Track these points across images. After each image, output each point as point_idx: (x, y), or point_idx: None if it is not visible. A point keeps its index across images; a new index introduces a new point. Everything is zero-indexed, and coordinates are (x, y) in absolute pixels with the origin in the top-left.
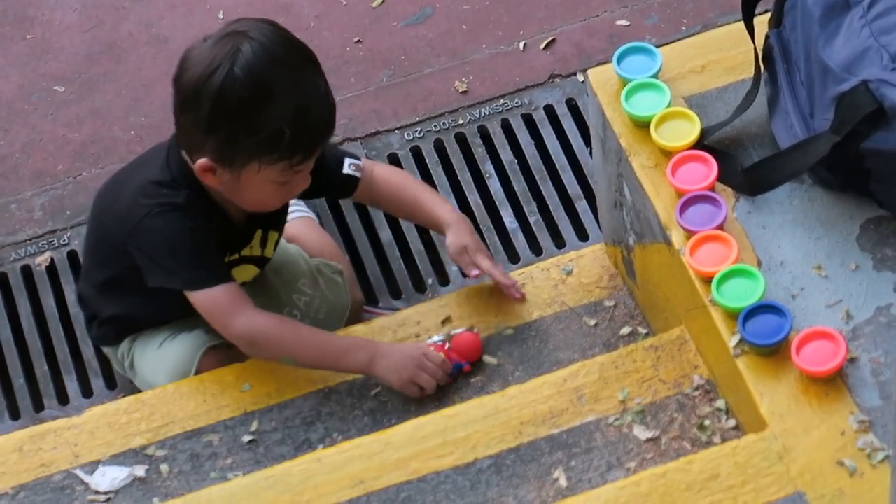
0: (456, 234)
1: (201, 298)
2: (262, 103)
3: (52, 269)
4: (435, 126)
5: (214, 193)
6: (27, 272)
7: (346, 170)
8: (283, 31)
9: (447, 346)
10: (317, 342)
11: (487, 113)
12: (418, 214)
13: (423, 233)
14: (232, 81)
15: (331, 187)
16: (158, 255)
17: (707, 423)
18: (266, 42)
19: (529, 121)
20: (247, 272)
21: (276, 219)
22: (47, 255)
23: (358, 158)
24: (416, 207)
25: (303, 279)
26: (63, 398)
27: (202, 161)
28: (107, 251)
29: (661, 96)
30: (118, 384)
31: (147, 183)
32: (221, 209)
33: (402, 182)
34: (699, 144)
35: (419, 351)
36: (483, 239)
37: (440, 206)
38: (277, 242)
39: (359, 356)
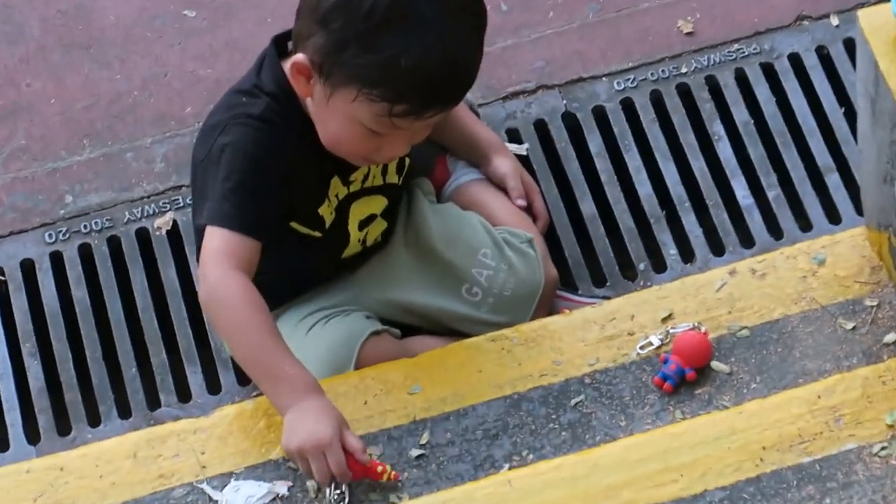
0: (509, 158)
1: (208, 234)
2: (394, 25)
3: (174, 234)
4: (652, 74)
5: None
6: (144, 237)
7: None
8: None
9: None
10: (256, 345)
11: (718, 60)
12: (453, 130)
13: (635, 206)
14: None
15: None
16: (211, 176)
17: None
18: None
19: (770, 72)
20: (374, 204)
21: None
22: (169, 216)
23: None
24: (450, 122)
25: (484, 249)
26: (185, 394)
27: (299, 57)
28: None
29: None
30: None
31: (230, 93)
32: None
33: None
34: None
35: (326, 439)
36: (707, 215)
37: (479, 124)
38: (405, 165)
39: (281, 392)
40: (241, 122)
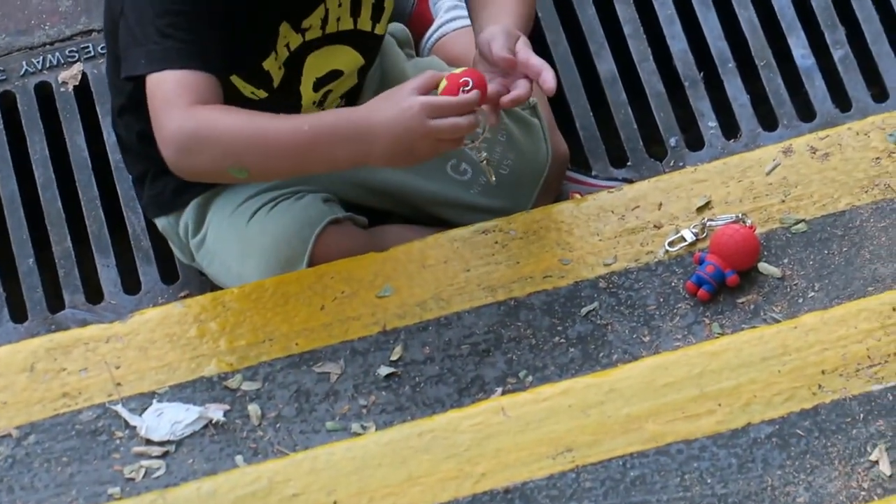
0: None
1: (152, 83)
2: None
3: (83, 91)
4: None
5: None
6: (45, 93)
7: None
8: None
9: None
10: (282, 130)
11: None
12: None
13: (666, 66)
14: None
15: None
16: (140, 17)
17: None
18: None
19: None
20: (338, 57)
21: None
22: (77, 68)
23: None
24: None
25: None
26: (95, 293)
27: None
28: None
29: None
30: (181, 275)
31: None
32: None
33: None
34: None
35: (417, 117)
36: (757, 78)
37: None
38: (384, 8)
39: (348, 148)
40: None
